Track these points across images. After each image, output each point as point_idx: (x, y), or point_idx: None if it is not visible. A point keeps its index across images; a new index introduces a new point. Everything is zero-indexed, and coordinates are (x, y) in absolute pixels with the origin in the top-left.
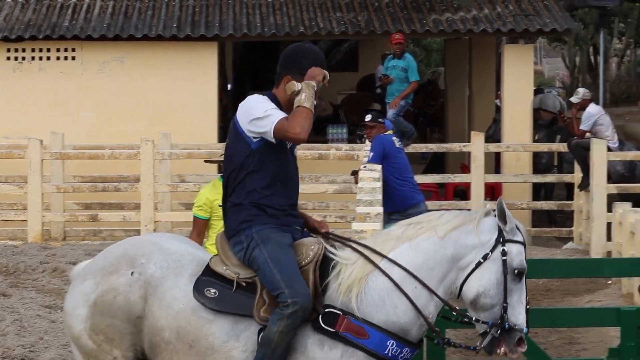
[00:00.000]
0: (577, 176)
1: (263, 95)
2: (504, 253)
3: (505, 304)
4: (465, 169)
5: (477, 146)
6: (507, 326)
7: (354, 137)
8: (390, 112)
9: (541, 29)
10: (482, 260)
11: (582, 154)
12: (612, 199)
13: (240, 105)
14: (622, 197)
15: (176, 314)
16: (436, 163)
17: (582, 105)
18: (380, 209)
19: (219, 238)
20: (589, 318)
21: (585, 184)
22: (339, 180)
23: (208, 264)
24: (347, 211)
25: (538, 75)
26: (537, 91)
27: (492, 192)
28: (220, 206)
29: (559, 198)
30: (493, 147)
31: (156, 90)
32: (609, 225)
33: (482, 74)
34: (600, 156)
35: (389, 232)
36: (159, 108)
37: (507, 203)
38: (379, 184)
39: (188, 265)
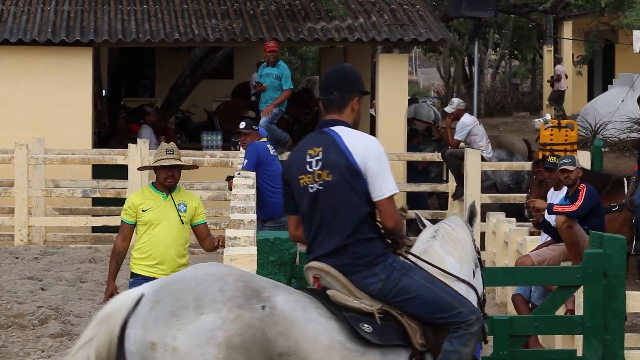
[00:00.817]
0: (451, 185)
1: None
2: (477, 251)
3: (485, 296)
4: None
5: None
6: (485, 315)
7: (228, 144)
8: (263, 120)
9: (416, 39)
10: (477, 262)
11: (456, 164)
12: (487, 209)
13: (360, 142)
14: (504, 207)
15: (327, 348)
16: None
17: (457, 115)
18: (254, 216)
19: (331, 272)
20: None
21: (459, 194)
22: (213, 187)
23: (328, 298)
24: (221, 218)
25: (413, 85)
26: (412, 101)
27: None
28: (144, 211)
29: (433, 207)
30: None
31: (31, 95)
32: (482, 234)
33: None
34: (474, 166)
35: (433, 247)
36: (33, 113)
37: None
38: (253, 191)
39: (302, 299)
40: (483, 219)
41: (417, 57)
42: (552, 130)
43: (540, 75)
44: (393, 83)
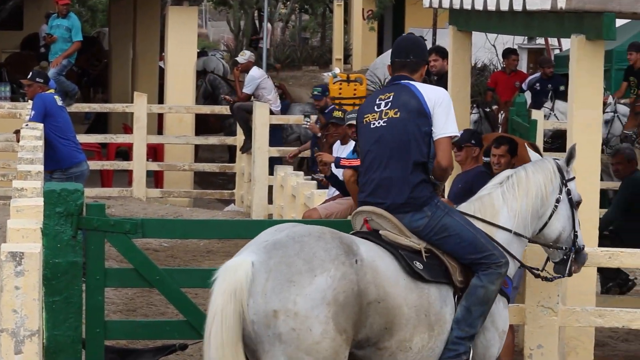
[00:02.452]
0: (239, 139)
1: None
2: (568, 192)
3: (576, 232)
4: (128, 129)
5: (139, 107)
6: (580, 248)
7: (17, 96)
8: (52, 71)
9: None
10: (557, 205)
11: (244, 117)
12: (275, 162)
13: (431, 88)
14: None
15: (406, 290)
16: (99, 123)
17: (245, 68)
18: (42, 167)
19: (383, 214)
20: None
21: (247, 147)
22: (1, 139)
23: (382, 237)
24: (9, 169)
25: (202, 38)
26: (201, 54)
27: (155, 153)
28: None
29: (221, 160)
30: (156, 109)
31: None
32: (270, 187)
33: (146, 35)
34: (262, 119)
35: (491, 195)
36: None
37: (168, 164)
38: (41, 143)
39: (373, 246)
40: (271, 173)
41: (207, 10)
42: (341, 84)
43: (330, 30)
44: (182, 36)
